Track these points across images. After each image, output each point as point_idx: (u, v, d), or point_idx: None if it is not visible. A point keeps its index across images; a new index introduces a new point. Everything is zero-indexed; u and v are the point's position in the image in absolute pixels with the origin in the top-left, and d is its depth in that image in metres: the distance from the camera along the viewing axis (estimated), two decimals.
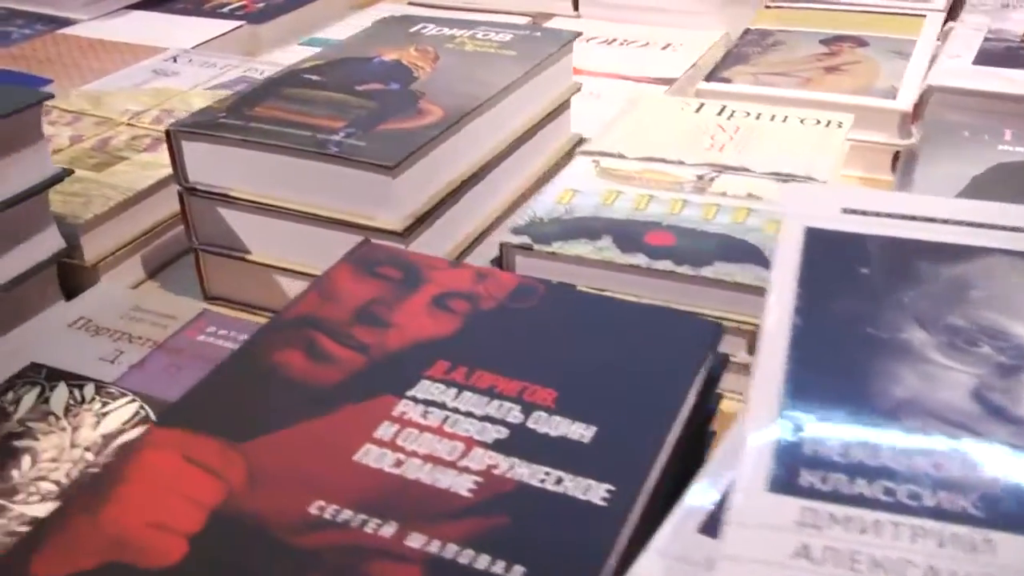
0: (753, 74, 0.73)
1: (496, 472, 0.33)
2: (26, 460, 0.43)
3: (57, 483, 0.42)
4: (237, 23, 0.96)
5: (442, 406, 0.36)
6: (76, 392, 0.47)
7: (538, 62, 0.62)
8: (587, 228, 0.53)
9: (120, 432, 0.45)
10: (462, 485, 0.33)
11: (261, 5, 1.03)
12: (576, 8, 0.96)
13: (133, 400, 0.47)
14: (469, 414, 0.36)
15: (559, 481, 0.33)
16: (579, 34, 0.66)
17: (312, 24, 1.03)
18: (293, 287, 0.56)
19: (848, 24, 0.82)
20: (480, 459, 0.34)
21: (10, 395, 0.47)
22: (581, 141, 0.68)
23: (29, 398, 0.47)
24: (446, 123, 0.54)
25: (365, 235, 0.52)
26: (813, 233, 0.38)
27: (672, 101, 0.67)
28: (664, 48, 0.87)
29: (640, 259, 0.50)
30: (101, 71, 0.82)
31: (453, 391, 0.37)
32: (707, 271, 0.49)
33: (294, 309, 0.41)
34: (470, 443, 0.35)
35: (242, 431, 0.35)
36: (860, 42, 0.78)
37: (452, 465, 0.34)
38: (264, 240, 0.56)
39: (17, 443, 0.44)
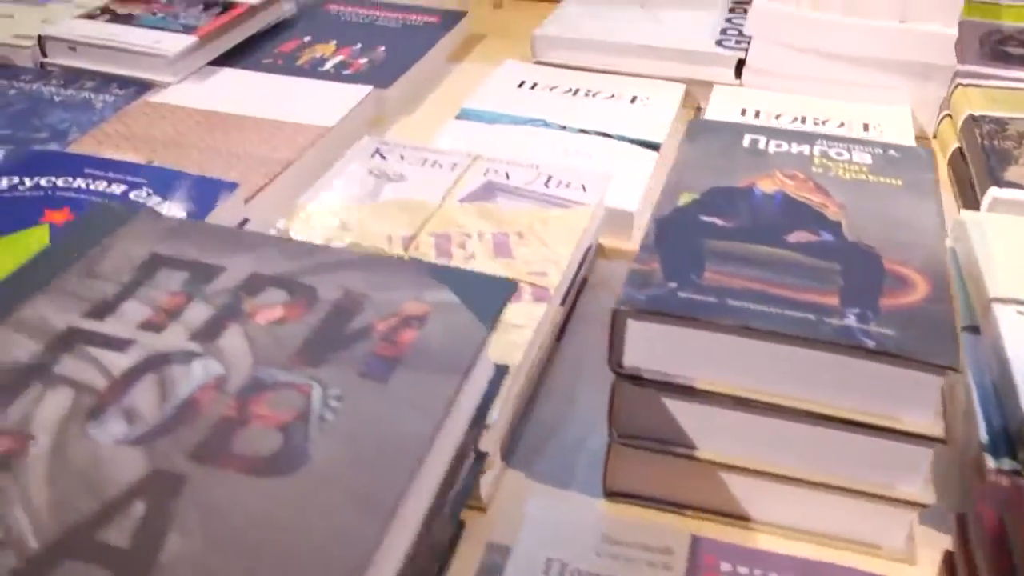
0: None
1: None
2: None
3: None
4: (363, 88, 0.83)
5: None
6: None
7: (933, 194, 0.55)
8: None
9: None
10: None
11: (364, 61, 0.89)
12: (738, 76, 0.88)
13: None
14: None
15: None
16: (933, 152, 0.59)
17: (421, 84, 0.91)
18: (739, 485, 0.47)
19: None
20: None
21: None
22: None
23: None
24: (940, 296, 0.46)
25: (876, 436, 0.44)
26: None
27: (1014, 222, 0.62)
28: (865, 130, 0.81)
29: None
30: (270, 162, 0.68)
31: None
32: None
33: None
34: None
35: None
36: None
37: None
38: (715, 434, 0.46)
39: None
